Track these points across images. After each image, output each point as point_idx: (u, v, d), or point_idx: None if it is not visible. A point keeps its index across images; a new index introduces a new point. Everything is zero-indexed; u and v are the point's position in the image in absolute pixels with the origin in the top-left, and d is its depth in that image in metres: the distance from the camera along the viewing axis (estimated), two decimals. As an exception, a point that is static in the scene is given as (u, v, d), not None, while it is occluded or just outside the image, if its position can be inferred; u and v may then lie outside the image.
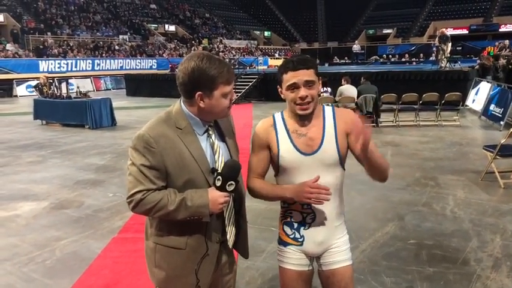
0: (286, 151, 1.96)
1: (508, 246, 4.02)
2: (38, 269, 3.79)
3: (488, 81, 13.20)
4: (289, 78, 1.90)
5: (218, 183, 1.73)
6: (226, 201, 1.76)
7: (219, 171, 1.77)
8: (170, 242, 1.81)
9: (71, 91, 14.02)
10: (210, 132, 1.84)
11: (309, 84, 1.89)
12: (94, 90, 25.59)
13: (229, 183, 1.73)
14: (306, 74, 1.89)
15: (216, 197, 1.72)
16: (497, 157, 5.92)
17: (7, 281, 3.59)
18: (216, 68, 1.71)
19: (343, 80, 11.48)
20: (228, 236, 1.90)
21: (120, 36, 34.07)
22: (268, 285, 3.42)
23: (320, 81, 1.98)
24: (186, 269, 1.81)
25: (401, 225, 4.60)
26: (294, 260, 2.06)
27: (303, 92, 1.88)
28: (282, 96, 1.99)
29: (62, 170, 7.34)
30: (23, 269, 3.80)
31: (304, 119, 1.96)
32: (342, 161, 1.97)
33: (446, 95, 11.09)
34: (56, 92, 13.58)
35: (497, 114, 10.83)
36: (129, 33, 35.55)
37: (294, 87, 1.90)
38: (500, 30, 39.96)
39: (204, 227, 1.80)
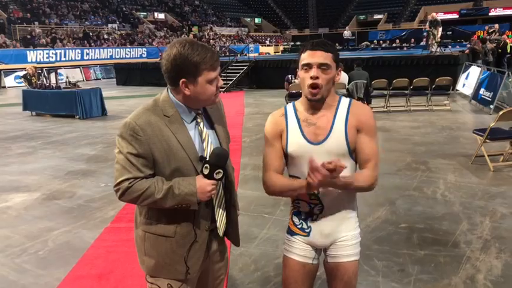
0: (294, 139, 1.94)
1: (497, 228, 4.08)
2: (31, 260, 3.78)
3: (478, 66, 13.26)
4: (305, 57, 1.87)
5: (206, 172, 1.72)
6: (214, 189, 1.75)
7: (207, 159, 1.76)
8: (159, 230, 1.81)
9: (60, 81, 13.90)
10: (199, 120, 1.83)
11: (322, 66, 1.84)
12: (84, 80, 25.35)
13: (217, 171, 1.72)
14: (322, 56, 1.84)
15: (204, 185, 1.71)
16: (487, 141, 5.98)
17: (0, 272, 3.59)
18: (198, 54, 1.68)
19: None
20: (217, 224, 1.89)
21: (109, 25, 33.68)
22: (261, 272, 3.45)
23: (339, 71, 1.92)
24: (175, 257, 1.82)
25: (392, 209, 4.65)
26: (299, 250, 2.04)
27: (314, 72, 1.84)
28: (299, 78, 1.94)
29: (53, 161, 7.30)
30: (16, 260, 3.79)
31: (315, 108, 1.93)
32: (351, 153, 1.93)
33: (437, 80, 11.13)
34: (45, 82, 13.44)
35: (487, 98, 10.91)
36: (117, 22, 35.14)
37: (307, 67, 1.86)
38: (490, 14, 40.04)
39: (192, 215, 1.80)
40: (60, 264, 3.66)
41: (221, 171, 1.73)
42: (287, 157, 2.00)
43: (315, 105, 1.92)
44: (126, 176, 1.69)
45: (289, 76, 11.28)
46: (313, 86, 1.85)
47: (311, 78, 1.85)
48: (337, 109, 1.94)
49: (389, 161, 6.41)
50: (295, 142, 1.93)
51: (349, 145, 1.90)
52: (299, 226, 2.04)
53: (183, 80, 1.71)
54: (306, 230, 2.02)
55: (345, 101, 1.97)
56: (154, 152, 1.71)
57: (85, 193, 5.56)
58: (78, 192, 5.62)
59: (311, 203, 1.98)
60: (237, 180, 5.53)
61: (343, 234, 2.00)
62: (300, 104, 2.00)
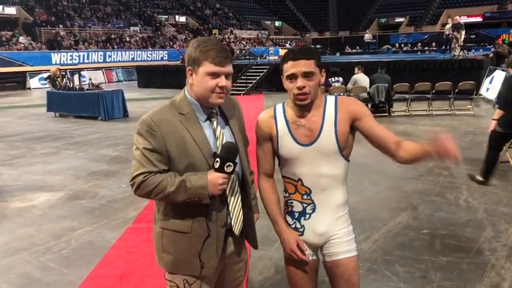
0: (285, 142, 1.97)
1: (522, 236, 3.99)
2: (55, 259, 3.86)
3: (502, 70, 13.00)
4: (288, 68, 1.90)
5: (216, 165, 1.76)
6: (225, 182, 1.78)
7: (217, 153, 1.81)
8: (176, 226, 1.85)
9: (83, 83, 14.14)
10: (213, 119, 1.87)
11: (307, 75, 1.87)
12: (106, 82, 25.75)
13: (227, 164, 1.76)
14: (306, 65, 1.87)
15: (215, 178, 1.75)
16: (512, 146, 5.85)
17: (25, 269, 3.67)
18: (205, 46, 1.78)
19: (356, 69, 11.39)
20: (232, 222, 1.91)
21: (131, 28, 34.13)
22: (281, 275, 3.44)
23: (323, 73, 1.95)
24: (191, 253, 1.85)
25: (414, 215, 4.59)
26: None
27: (300, 82, 1.87)
28: (285, 86, 1.98)
29: (76, 161, 7.43)
30: (40, 258, 3.87)
31: (303, 110, 1.96)
32: (342, 151, 1.95)
33: (460, 84, 10.94)
34: (68, 84, 13.69)
35: None
36: (139, 25, 35.59)
37: (292, 77, 1.89)
38: (515, 17, 39.19)
39: (206, 211, 1.83)
40: (83, 264, 3.72)
41: (231, 164, 1.77)
42: (279, 158, 2.05)
43: (302, 106, 1.95)
44: (141, 170, 1.76)
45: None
46: (301, 94, 1.89)
47: (298, 88, 1.88)
48: (324, 108, 1.97)
49: (411, 165, 6.32)
50: (286, 145, 1.97)
51: (339, 143, 1.93)
52: (293, 226, 2.08)
53: (189, 67, 1.82)
54: (300, 230, 2.06)
55: (330, 98, 2.01)
56: (169, 147, 1.77)
57: (107, 193, 5.64)
58: (101, 192, 5.71)
59: (304, 202, 2.02)
60: (257, 183, 5.54)
61: (336, 232, 2.03)
62: (289, 106, 2.02)
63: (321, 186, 1.97)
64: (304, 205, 2.02)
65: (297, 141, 1.95)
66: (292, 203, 2.06)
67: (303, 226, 2.05)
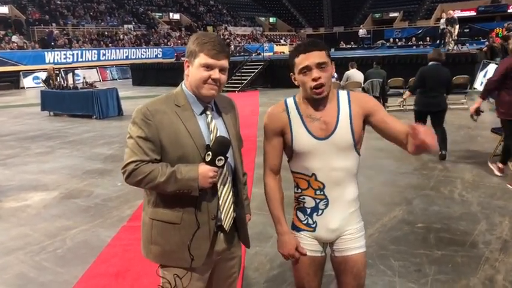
0: (300, 136, 1.94)
1: (516, 229, 4.01)
2: (50, 258, 3.85)
3: (496, 63, 13.03)
4: (301, 61, 1.87)
5: (208, 158, 1.78)
6: (215, 176, 1.80)
7: (210, 146, 1.82)
8: (166, 216, 1.86)
9: (77, 82, 14.08)
10: (208, 113, 1.89)
11: (321, 65, 1.85)
12: (100, 81, 25.64)
13: (218, 158, 1.78)
14: (318, 56, 1.85)
15: (205, 171, 1.77)
16: (506, 139, 5.87)
17: (20, 269, 3.66)
18: (202, 39, 1.82)
19: (349, 65, 11.41)
20: (222, 216, 1.90)
21: (125, 26, 33.98)
22: (277, 271, 3.45)
23: (333, 64, 1.94)
24: (181, 245, 1.85)
25: (409, 209, 4.60)
26: (307, 245, 2.04)
27: (315, 73, 1.84)
28: (296, 82, 1.95)
29: (71, 160, 7.40)
30: (35, 258, 3.86)
31: (318, 104, 1.93)
32: (356, 146, 1.94)
33: (454, 78, 10.89)
34: (62, 83, 13.63)
35: (505, 96, 10.69)
36: (133, 23, 35.44)
37: (306, 69, 1.86)
38: (508, 11, 39.21)
39: (196, 203, 1.83)
40: (78, 262, 3.72)
41: (223, 158, 1.79)
42: (291, 153, 2.01)
43: (317, 100, 1.93)
44: (133, 158, 1.78)
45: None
46: (317, 87, 1.86)
47: (313, 80, 1.86)
48: (338, 102, 1.96)
49: (406, 160, 6.35)
50: (301, 139, 1.94)
51: (354, 137, 1.92)
52: (304, 222, 2.05)
53: (186, 59, 1.86)
54: (312, 225, 2.03)
55: (342, 92, 2.00)
56: (162, 137, 1.79)
57: (102, 192, 5.63)
58: (96, 191, 5.69)
59: (317, 198, 1.99)
60: (252, 180, 5.54)
61: (348, 227, 2.02)
62: (301, 100, 1.99)
63: (334, 180, 1.94)
64: (317, 201, 1.99)
65: (312, 134, 1.92)
66: (304, 199, 2.02)
67: (315, 222, 2.02)
